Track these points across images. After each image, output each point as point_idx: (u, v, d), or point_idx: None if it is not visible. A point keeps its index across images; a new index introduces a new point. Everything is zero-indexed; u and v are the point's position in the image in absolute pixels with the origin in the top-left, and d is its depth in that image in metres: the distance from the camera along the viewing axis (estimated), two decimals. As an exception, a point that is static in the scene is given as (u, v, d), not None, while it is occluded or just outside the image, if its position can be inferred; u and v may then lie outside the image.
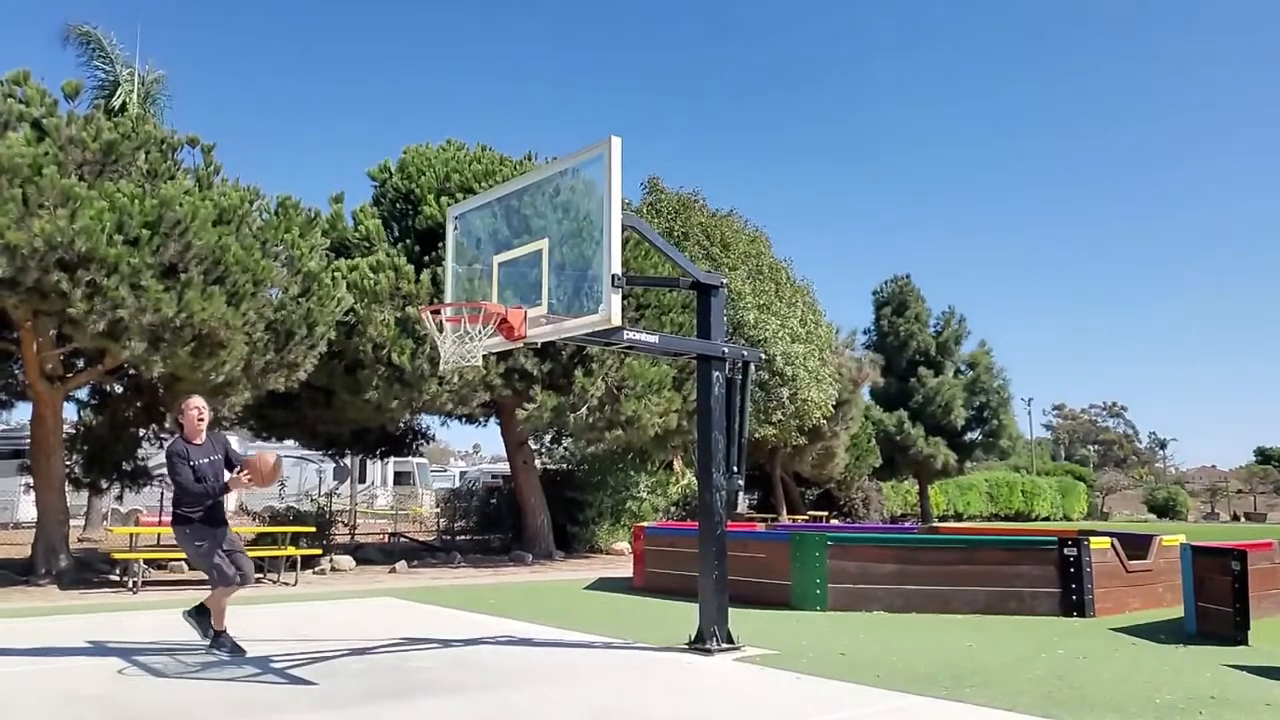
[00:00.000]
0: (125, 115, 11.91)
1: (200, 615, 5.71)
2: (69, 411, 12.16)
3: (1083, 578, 7.88)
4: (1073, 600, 7.87)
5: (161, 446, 13.98)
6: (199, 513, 5.50)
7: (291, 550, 11.32)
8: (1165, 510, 48.23)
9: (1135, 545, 8.67)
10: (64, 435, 11.52)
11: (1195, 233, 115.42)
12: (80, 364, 11.56)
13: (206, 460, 5.56)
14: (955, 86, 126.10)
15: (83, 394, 13.01)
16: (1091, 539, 8.15)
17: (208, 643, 5.71)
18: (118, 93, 19.79)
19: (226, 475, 5.57)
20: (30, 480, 11.33)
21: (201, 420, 5.65)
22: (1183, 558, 7.25)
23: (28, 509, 19.64)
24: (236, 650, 5.65)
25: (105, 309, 8.81)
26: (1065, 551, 8.00)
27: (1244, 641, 6.40)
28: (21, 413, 14.29)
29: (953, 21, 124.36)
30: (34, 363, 10.36)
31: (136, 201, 9.16)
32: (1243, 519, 47.32)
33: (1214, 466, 68.98)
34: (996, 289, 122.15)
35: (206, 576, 5.67)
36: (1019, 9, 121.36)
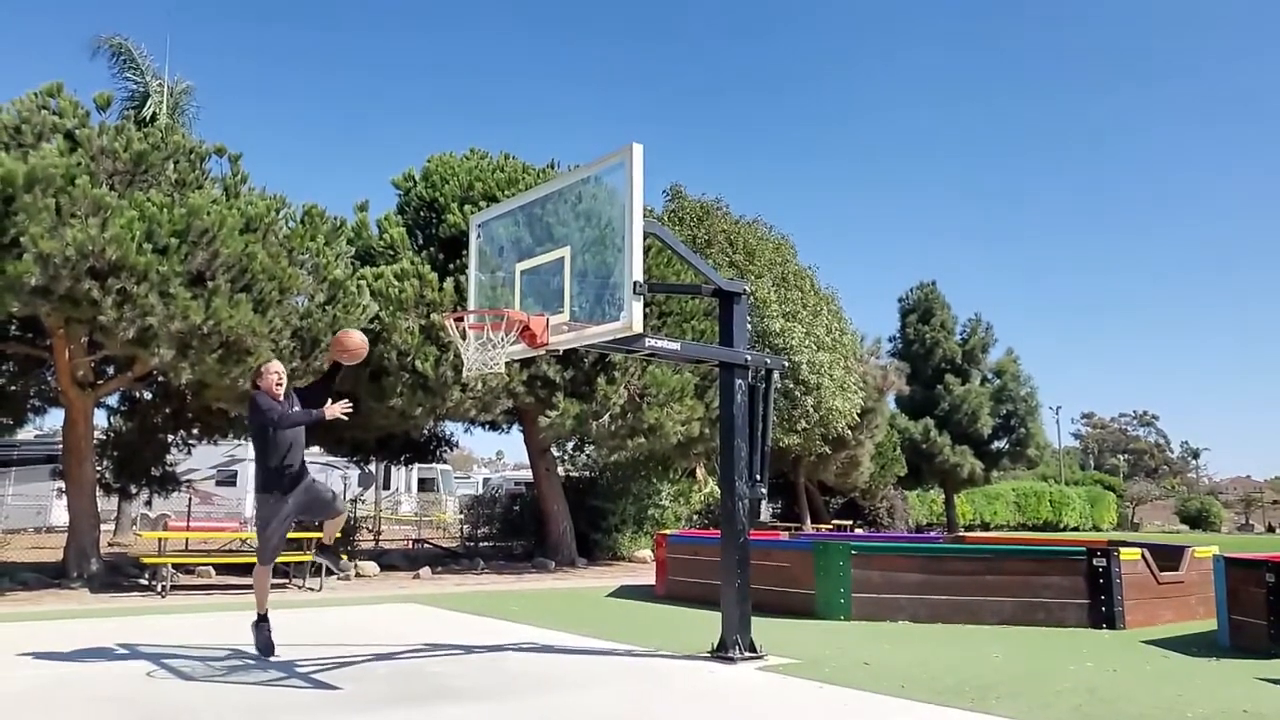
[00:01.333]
0: (155, 126, 12.15)
1: (325, 551, 6.43)
2: (99, 418, 12.38)
3: (1112, 589, 7.74)
4: (1102, 612, 7.73)
5: (189, 453, 14.25)
6: (278, 469, 5.61)
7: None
8: (1198, 521, 47.34)
9: (1167, 556, 8.51)
10: (95, 441, 11.71)
11: (1227, 239, 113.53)
12: (111, 371, 11.77)
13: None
14: (984, 90, 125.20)
15: (113, 400, 13.25)
16: (1121, 550, 8.00)
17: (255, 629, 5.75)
18: (147, 103, 20.22)
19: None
20: (63, 485, 11.53)
21: (280, 385, 5.77)
22: (1216, 569, 7.10)
23: (60, 513, 20.02)
24: (267, 648, 5.69)
25: (135, 316, 8.96)
26: (1094, 562, 7.86)
27: (1278, 655, 6.26)
28: (54, 419, 14.57)
29: (984, 22, 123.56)
30: (66, 369, 10.56)
31: (165, 210, 9.32)
32: (1278, 530, 46.29)
33: (1249, 477, 67.61)
34: (1024, 296, 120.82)
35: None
36: (1025, 11, 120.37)
